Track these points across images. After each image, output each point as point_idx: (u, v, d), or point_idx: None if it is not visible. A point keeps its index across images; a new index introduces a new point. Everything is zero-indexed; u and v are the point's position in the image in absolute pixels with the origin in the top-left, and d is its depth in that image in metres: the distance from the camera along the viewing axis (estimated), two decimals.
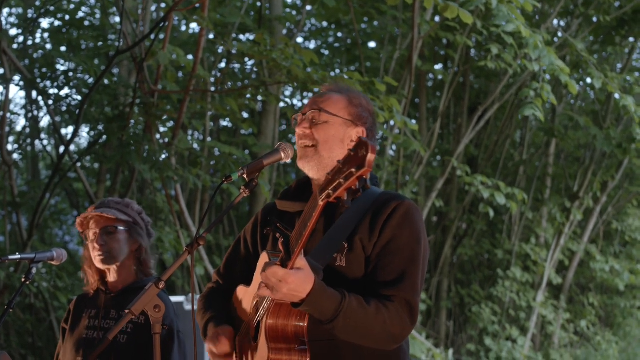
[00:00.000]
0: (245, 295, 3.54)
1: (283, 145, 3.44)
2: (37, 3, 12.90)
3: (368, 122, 3.53)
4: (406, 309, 3.24)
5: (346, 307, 3.10)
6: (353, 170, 2.67)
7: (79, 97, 11.27)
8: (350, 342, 3.24)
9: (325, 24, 14.76)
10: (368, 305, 3.16)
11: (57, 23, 12.87)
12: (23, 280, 4.17)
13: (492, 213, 11.28)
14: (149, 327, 4.01)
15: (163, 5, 12.29)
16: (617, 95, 10.41)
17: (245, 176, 3.32)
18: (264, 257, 3.33)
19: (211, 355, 3.52)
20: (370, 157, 2.63)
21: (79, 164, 10.28)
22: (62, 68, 12.39)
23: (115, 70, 11.94)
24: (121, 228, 4.40)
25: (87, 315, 4.45)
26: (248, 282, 3.55)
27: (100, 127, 11.45)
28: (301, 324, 3.20)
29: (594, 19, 12.47)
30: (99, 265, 4.41)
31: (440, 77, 13.77)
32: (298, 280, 3.00)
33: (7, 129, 12.44)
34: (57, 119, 11.77)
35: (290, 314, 3.19)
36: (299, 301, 3.06)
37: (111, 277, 4.46)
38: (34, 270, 4.23)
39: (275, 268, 3.00)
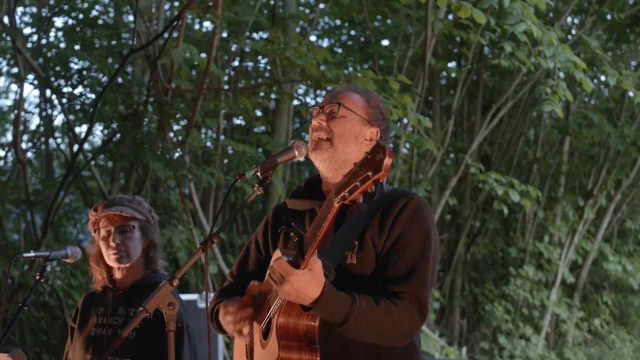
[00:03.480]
0: (257, 292, 3.55)
1: (297, 143, 3.45)
2: (51, 2, 12.94)
3: (383, 124, 3.57)
4: (416, 305, 3.25)
5: (356, 310, 3.12)
6: (370, 173, 2.66)
7: (93, 96, 11.32)
8: (361, 341, 3.25)
9: (338, 22, 14.76)
10: (378, 305, 3.17)
11: (70, 22, 12.91)
12: (37, 278, 4.19)
13: (506, 211, 11.26)
14: (157, 323, 4.02)
15: (177, 3, 12.32)
16: (631, 93, 10.36)
17: (259, 174, 3.32)
18: (277, 255, 3.33)
19: (226, 318, 3.45)
20: (388, 161, 2.62)
21: (92, 162, 10.32)
22: (76, 67, 12.43)
23: (129, 69, 11.97)
24: (136, 227, 4.41)
25: (95, 312, 4.46)
26: (260, 281, 3.56)
27: (114, 126, 11.48)
28: (312, 324, 3.22)
29: (608, 17, 12.42)
30: (113, 264, 4.41)
31: (453, 75, 13.76)
32: (301, 280, 3.01)
33: (21, 127, 12.50)
34: (71, 117, 11.80)
35: (302, 313, 3.20)
36: (308, 305, 3.08)
37: (119, 274, 4.46)
38: (48, 268, 4.25)
39: (281, 262, 3.03)
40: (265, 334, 3.35)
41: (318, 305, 3.06)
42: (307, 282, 3.01)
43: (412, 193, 3.46)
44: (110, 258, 4.39)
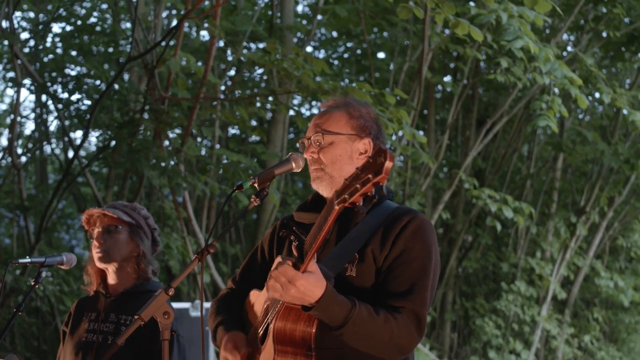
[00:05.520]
0: (257, 299, 3.57)
1: (294, 156, 3.48)
2: (49, 7, 12.96)
3: (372, 130, 3.55)
4: (414, 321, 3.25)
5: (356, 315, 3.12)
6: (370, 176, 2.70)
7: (89, 102, 11.33)
8: (358, 351, 3.25)
9: (335, 33, 14.79)
10: (377, 315, 3.18)
11: (68, 28, 12.92)
12: (32, 283, 4.18)
13: (499, 227, 11.28)
14: (147, 330, 4.03)
15: (174, 12, 12.34)
16: (625, 111, 10.41)
17: (256, 185, 3.34)
18: (277, 261, 3.33)
19: None
20: (388, 164, 2.66)
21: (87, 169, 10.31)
22: (72, 73, 12.44)
23: (126, 76, 11.98)
24: (122, 228, 4.42)
25: (87, 318, 4.46)
26: (261, 288, 3.58)
27: (109, 133, 11.49)
28: (309, 330, 3.22)
29: (604, 34, 12.48)
30: (97, 264, 4.41)
31: (449, 89, 13.81)
32: (307, 284, 3.02)
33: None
34: (67, 123, 11.82)
35: (299, 319, 3.21)
36: (309, 305, 3.09)
37: (111, 279, 4.47)
38: (43, 274, 4.24)
39: (286, 267, 3.03)
40: (263, 339, 3.37)
41: (319, 305, 3.07)
42: (312, 285, 3.03)
43: (416, 212, 3.47)
44: (95, 257, 4.42)
